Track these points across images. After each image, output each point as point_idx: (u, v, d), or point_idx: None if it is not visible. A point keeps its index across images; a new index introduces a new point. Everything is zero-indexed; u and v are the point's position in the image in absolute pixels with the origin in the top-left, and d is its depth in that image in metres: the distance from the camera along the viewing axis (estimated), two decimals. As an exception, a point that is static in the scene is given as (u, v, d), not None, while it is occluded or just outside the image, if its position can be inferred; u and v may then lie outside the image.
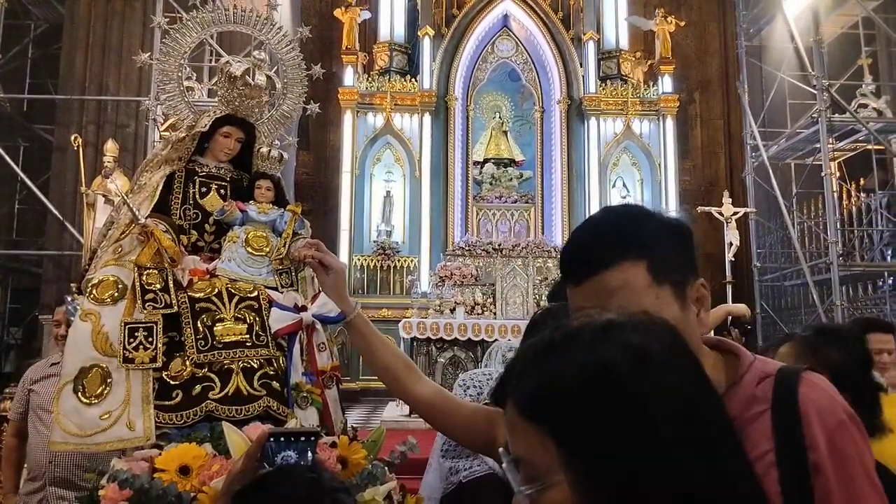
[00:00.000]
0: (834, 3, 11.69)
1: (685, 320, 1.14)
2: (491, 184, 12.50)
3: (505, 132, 12.85)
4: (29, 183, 10.28)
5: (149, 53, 3.60)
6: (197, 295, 2.84)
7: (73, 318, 2.93)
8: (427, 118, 12.03)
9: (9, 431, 3.97)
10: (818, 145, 10.69)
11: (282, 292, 3.01)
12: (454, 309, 9.75)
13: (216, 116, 3.19)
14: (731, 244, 10.80)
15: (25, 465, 3.79)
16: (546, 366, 0.85)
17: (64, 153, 10.38)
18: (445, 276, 10.76)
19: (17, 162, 10.77)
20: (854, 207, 11.30)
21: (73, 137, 8.38)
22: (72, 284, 5.07)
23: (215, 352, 2.72)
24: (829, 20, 11.85)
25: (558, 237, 11.95)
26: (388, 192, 12.15)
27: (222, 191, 3.21)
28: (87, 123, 10.68)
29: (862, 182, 11.69)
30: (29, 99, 12.16)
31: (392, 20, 12.56)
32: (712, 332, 2.61)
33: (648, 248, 1.16)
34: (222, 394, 2.64)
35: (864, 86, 11.35)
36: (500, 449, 0.90)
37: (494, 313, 10.05)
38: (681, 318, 1.13)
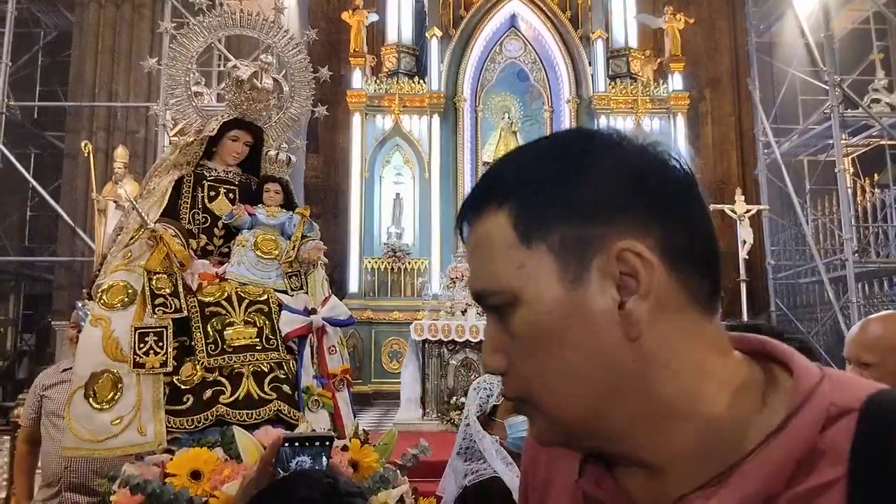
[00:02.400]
0: (845, -2, 11.61)
1: (575, 307, 0.63)
2: (501, 184, 12.46)
3: (514, 132, 12.80)
4: (40, 190, 10.33)
5: (157, 58, 3.61)
6: (207, 299, 2.84)
7: (83, 324, 2.93)
8: (436, 119, 12.01)
9: (20, 437, 3.96)
10: (831, 141, 10.60)
11: (291, 295, 3.00)
12: (465, 310, 9.70)
13: (224, 120, 3.19)
14: (744, 242, 10.70)
15: (39, 471, 3.78)
16: None
17: (75, 160, 10.44)
18: (456, 277, 10.71)
19: (28, 169, 10.83)
20: (868, 203, 11.20)
21: (83, 144, 8.40)
22: (83, 290, 5.07)
23: (225, 356, 2.71)
24: (840, 15, 11.75)
25: (569, 237, 11.85)
26: (397, 194, 12.13)
27: (231, 195, 3.20)
28: (98, 130, 10.73)
29: (876, 177, 11.58)
30: (39, 106, 12.21)
31: (399, 22, 12.55)
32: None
33: (516, 185, 0.68)
34: (233, 398, 2.64)
35: (876, 81, 11.25)
36: None
37: (506, 314, 9.97)
38: (562, 304, 0.63)
